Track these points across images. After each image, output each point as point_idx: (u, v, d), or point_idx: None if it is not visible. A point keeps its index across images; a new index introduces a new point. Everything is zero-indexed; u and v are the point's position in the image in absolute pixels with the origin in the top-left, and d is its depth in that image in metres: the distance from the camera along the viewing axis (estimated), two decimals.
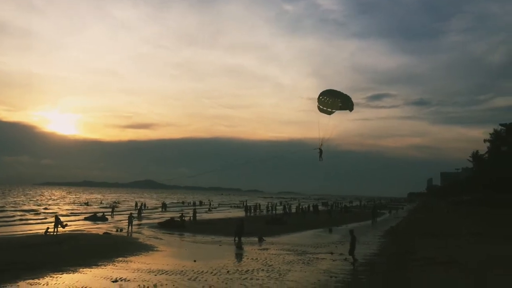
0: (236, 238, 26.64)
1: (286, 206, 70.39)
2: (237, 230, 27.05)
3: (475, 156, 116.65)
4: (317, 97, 25.33)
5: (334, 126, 26.30)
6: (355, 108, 25.91)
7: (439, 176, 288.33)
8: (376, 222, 48.04)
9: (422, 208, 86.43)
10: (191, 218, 42.66)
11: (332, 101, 26.10)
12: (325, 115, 26.35)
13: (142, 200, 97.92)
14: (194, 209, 48.77)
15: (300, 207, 72.74)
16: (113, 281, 13.86)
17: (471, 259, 17.37)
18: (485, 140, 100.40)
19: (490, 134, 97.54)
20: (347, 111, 26.44)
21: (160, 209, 66.54)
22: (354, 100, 25.19)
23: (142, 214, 50.27)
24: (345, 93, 26.31)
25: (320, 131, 25.74)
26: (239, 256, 20.76)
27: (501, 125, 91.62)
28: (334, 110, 26.30)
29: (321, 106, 26.37)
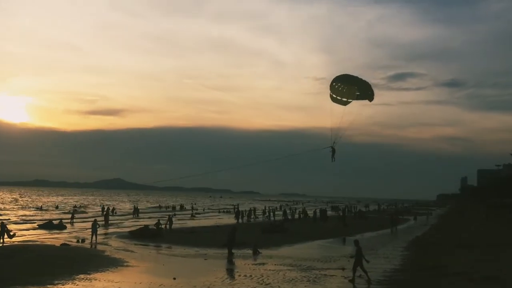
0: (230, 250, 26.75)
1: (288, 210, 70.77)
2: (228, 240, 27.11)
3: None
4: (329, 82, 25.32)
5: (350, 120, 26.22)
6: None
7: (476, 174, 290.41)
8: (396, 230, 48.40)
9: (454, 213, 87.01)
10: (167, 226, 42.56)
11: (348, 88, 25.93)
12: (339, 105, 26.26)
13: (109, 203, 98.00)
14: (169, 216, 48.47)
15: (305, 212, 73.14)
16: None
17: None
18: None
19: None
20: (366, 101, 26.32)
21: (131, 215, 66.66)
22: (372, 80, 25.01)
23: (110, 221, 50.32)
24: (363, 79, 26.20)
25: (333, 125, 25.67)
26: (229, 272, 20.81)
27: None
28: (350, 100, 26.12)
29: (334, 95, 26.25)
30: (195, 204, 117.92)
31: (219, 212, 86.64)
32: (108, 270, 20.47)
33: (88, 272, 19.61)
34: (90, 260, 23.02)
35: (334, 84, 25.93)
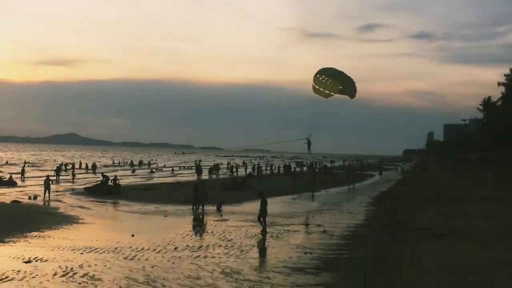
0: (195, 207, 26.80)
1: (254, 166, 71.10)
2: (194, 196, 27.10)
3: (487, 103, 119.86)
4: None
5: (329, 113, 27.10)
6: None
7: (442, 129, 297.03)
8: (354, 188, 48.88)
9: (420, 168, 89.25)
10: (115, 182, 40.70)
11: (332, 82, 26.64)
12: (321, 97, 26.95)
13: (62, 159, 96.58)
14: (108, 177, 44.61)
15: (270, 167, 73.76)
16: (25, 262, 13.72)
17: (480, 228, 18.15)
18: (499, 83, 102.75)
19: (505, 75, 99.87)
20: (347, 97, 27.30)
21: (87, 172, 65.95)
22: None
23: (64, 177, 49.67)
24: (348, 75, 26.96)
25: (311, 117, 26.40)
26: (190, 229, 20.94)
27: None
28: (332, 94, 26.92)
29: (317, 86, 26.97)
30: (155, 160, 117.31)
31: (180, 168, 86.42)
32: (62, 227, 20.34)
33: (41, 229, 19.43)
34: (43, 217, 22.79)
35: (318, 76, 26.62)
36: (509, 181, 47.78)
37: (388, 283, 11.61)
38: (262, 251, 16.30)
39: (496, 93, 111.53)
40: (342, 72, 26.95)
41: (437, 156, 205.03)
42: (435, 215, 23.31)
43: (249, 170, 68.27)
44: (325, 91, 26.61)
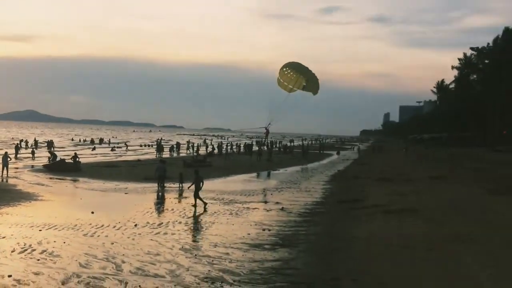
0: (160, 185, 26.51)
1: (213, 144, 70.98)
2: (159, 175, 26.76)
3: (440, 86, 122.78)
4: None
5: (289, 107, 27.89)
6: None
7: (398, 110, 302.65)
8: (306, 168, 48.04)
9: (376, 148, 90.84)
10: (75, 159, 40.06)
11: (296, 77, 27.05)
12: (284, 91, 27.39)
13: (22, 137, 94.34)
14: (56, 155, 43.15)
15: (231, 146, 73.78)
16: None
17: (430, 205, 18.72)
18: (453, 67, 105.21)
19: (459, 59, 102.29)
20: (310, 93, 27.84)
21: (46, 148, 64.61)
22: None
23: (21, 154, 48.58)
24: (313, 71, 27.43)
25: (272, 108, 26.96)
26: (150, 206, 20.85)
27: (471, 49, 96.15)
28: (295, 89, 27.36)
29: (281, 80, 27.41)
30: (115, 137, 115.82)
31: (140, 146, 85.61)
32: (20, 204, 19.94)
33: None
34: (1, 194, 22.29)
35: (284, 69, 27.13)
36: (458, 160, 49.31)
37: (342, 257, 11.89)
38: (222, 227, 16.40)
39: (450, 76, 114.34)
40: (307, 68, 27.62)
41: (393, 136, 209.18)
42: (388, 193, 23.87)
43: (210, 148, 68.15)
44: (289, 85, 27.24)
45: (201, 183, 21.12)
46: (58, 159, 38.61)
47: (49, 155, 41.17)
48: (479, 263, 10.75)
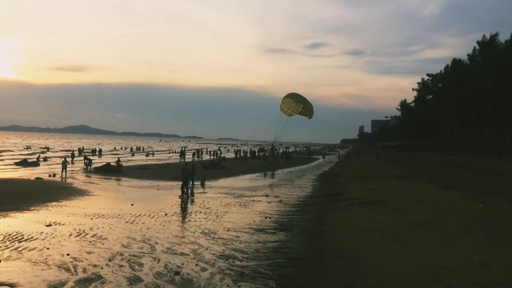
0: (190, 182, 26.13)
1: (237, 151, 70.82)
2: (186, 176, 26.45)
3: (403, 104, 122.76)
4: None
5: (291, 126, 29.75)
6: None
7: (370, 123, 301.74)
8: (273, 175, 39.13)
9: (353, 154, 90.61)
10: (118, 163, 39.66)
11: (295, 105, 28.07)
12: (284, 114, 28.78)
13: (77, 145, 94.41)
14: (88, 157, 43.13)
15: (239, 152, 73.65)
16: (47, 225, 13.49)
17: (396, 198, 18.65)
18: (413, 89, 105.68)
19: (418, 83, 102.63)
20: (306, 117, 29.17)
21: (96, 155, 64.63)
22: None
23: (75, 159, 48.54)
24: (309, 101, 28.78)
25: (276, 129, 29.33)
26: (177, 200, 20.85)
27: (428, 75, 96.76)
28: (294, 114, 28.46)
29: (283, 106, 28.76)
30: (149, 146, 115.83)
31: (169, 152, 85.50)
32: (76, 198, 19.98)
33: (59, 200, 19.08)
34: (61, 191, 22.34)
35: (286, 99, 28.46)
36: (416, 162, 49.16)
37: (327, 239, 11.85)
38: (233, 216, 16.36)
39: (411, 96, 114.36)
40: (305, 98, 28.78)
41: (366, 144, 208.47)
42: (362, 188, 23.81)
43: (223, 154, 68.01)
44: (288, 111, 28.33)
45: (190, 178, 22.17)
46: (87, 163, 37.60)
47: (84, 160, 40.39)
48: (434, 242, 10.78)
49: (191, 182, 25.98)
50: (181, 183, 22.55)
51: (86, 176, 31.92)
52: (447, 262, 8.96)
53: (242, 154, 64.94)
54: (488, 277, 8.00)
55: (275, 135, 29.18)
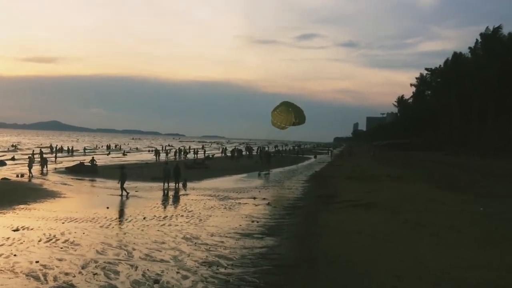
0: (176, 184, 26.30)
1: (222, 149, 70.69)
2: (175, 175, 26.60)
3: (400, 100, 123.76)
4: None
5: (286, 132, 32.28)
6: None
7: (365, 120, 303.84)
8: (268, 175, 38.47)
9: (347, 153, 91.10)
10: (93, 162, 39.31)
11: (286, 116, 29.17)
12: (277, 128, 30.96)
13: (47, 143, 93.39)
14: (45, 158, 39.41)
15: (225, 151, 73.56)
16: (14, 230, 13.35)
17: (389, 199, 18.85)
18: (411, 85, 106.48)
19: (416, 78, 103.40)
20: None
21: (68, 154, 64.09)
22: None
23: (46, 158, 48.01)
24: (298, 105, 29.90)
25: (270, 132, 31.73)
26: (156, 202, 20.79)
27: (426, 69, 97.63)
28: (287, 126, 29.58)
29: (274, 121, 30.27)
30: (127, 144, 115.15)
31: (148, 151, 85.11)
32: (46, 201, 19.82)
33: (28, 202, 18.90)
34: (29, 192, 22.11)
35: (275, 111, 29.58)
36: (412, 162, 49.73)
37: (317, 244, 11.93)
38: (218, 219, 16.37)
39: (409, 92, 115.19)
40: (294, 104, 29.67)
41: (361, 142, 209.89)
42: (356, 189, 23.98)
43: (212, 152, 67.84)
44: (282, 124, 29.56)
45: (125, 177, 23.22)
46: (42, 163, 36.52)
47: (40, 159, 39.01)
48: (424, 241, 11.27)
49: (175, 184, 26.03)
50: (161, 183, 22.67)
51: (58, 176, 31.61)
52: (441, 261, 9.12)
53: (235, 152, 64.76)
54: (480, 276, 8.29)
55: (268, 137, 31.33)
